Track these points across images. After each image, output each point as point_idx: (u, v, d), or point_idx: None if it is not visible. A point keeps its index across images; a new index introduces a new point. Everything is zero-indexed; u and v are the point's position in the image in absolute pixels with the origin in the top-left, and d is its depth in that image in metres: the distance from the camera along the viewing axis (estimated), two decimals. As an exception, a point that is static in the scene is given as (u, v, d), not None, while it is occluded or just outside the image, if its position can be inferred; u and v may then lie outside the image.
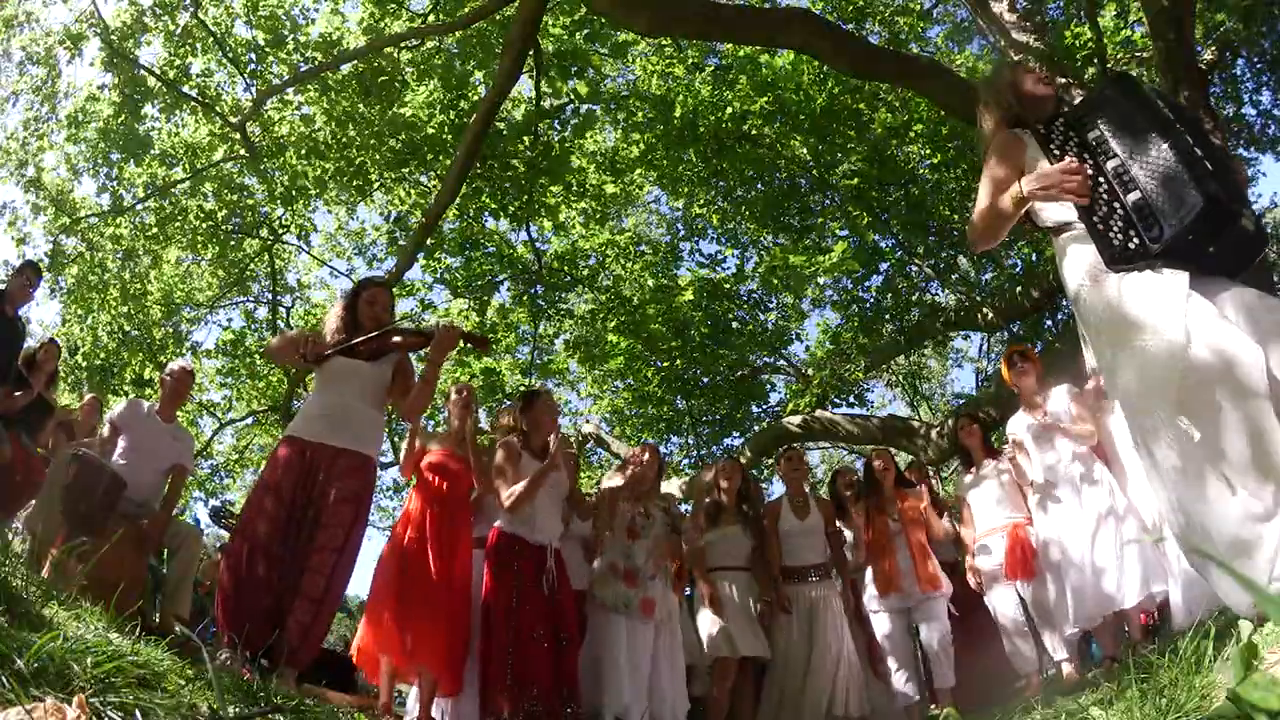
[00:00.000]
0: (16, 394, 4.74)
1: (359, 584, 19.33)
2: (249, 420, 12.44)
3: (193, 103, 8.92)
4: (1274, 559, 1.84)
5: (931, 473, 5.61)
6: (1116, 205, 2.23)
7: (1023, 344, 7.19)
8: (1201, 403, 1.97)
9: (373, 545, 20.38)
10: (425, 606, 3.75)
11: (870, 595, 4.97)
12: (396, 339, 3.57)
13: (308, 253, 11.50)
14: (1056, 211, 2.40)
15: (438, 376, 3.80)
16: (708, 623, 4.76)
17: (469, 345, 3.59)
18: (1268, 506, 1.87)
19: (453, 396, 4.50)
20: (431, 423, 9.96)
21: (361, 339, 3.49)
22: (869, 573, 5.06)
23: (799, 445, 8.20)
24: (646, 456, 4.70)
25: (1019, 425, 4.57)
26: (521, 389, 11.56)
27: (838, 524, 5.22)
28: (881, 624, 4.92)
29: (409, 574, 3.81)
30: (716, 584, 4.85)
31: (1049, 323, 9.87)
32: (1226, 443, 1.93)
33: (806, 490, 5.27)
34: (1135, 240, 2.17)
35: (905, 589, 4.80)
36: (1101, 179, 2.27)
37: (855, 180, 9.47)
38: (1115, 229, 2.22)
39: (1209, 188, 2.08)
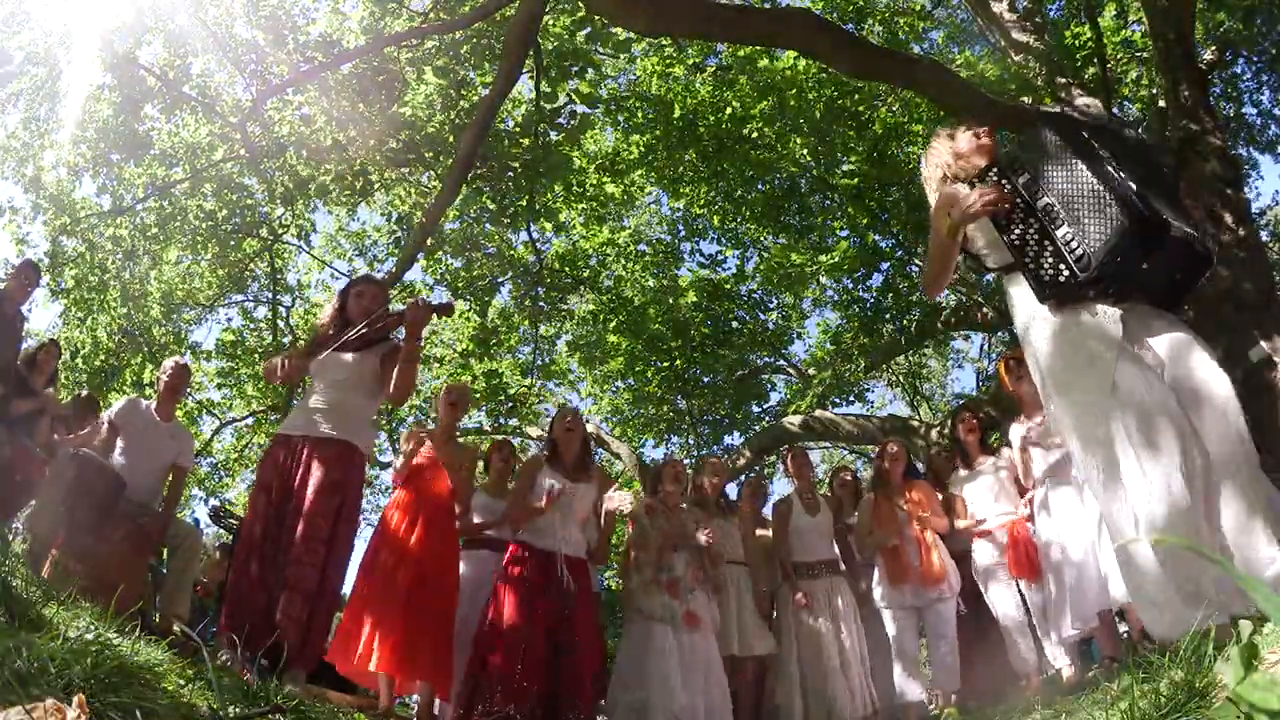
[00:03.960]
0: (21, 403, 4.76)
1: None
2: (249, 420, 12.43)
3: (192, 103, 8.91)
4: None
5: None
6: (1047, 243, 2.30)
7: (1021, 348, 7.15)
8: (1124, 453, 2.11)
9: (361, 544, 20.27)
10: (417, 621, 3.69)
11: (879, 593, 4.89)
12: (378, 325, 3.62)
13: (308, 253, 11.50)
14: (1000, 254, 2.50)
15: (418, 353, 3.82)
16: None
17: (438, 316, 3.66)
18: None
19: (442, 396, 4.60)
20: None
21: (346, 338, 3.53)
22: (875, 569, 5.03)
23: (799, 445, 8.19)
24: (673, 484, 4.77)
25: (1018, 433, 4.52)
26: (523, 390, 11.58)
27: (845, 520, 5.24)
28: (889, 622, 4.85)
29: (396, 582, 3.76)
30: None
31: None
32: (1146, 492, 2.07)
33: (814, 487, 5.30)
34: (1065, 272, 2.24)
35: (916, 580, 4.74)
36: (1033, 219, 2.34)
37: (855, 180, 9.45)
38: (1046, 265, 2.29)
39: (1134, 206, 2.13)
